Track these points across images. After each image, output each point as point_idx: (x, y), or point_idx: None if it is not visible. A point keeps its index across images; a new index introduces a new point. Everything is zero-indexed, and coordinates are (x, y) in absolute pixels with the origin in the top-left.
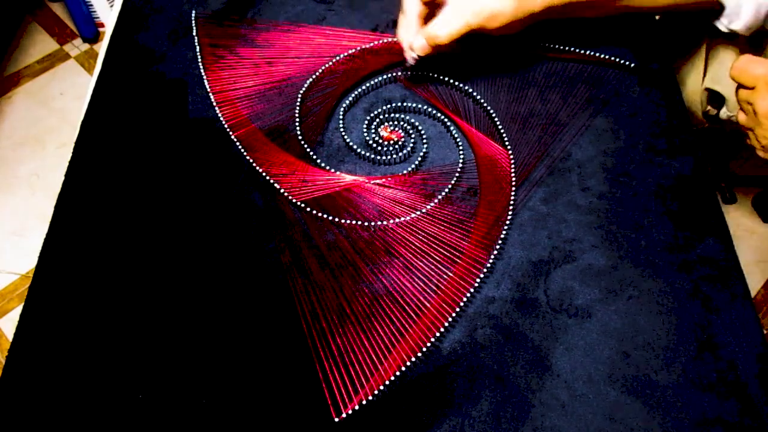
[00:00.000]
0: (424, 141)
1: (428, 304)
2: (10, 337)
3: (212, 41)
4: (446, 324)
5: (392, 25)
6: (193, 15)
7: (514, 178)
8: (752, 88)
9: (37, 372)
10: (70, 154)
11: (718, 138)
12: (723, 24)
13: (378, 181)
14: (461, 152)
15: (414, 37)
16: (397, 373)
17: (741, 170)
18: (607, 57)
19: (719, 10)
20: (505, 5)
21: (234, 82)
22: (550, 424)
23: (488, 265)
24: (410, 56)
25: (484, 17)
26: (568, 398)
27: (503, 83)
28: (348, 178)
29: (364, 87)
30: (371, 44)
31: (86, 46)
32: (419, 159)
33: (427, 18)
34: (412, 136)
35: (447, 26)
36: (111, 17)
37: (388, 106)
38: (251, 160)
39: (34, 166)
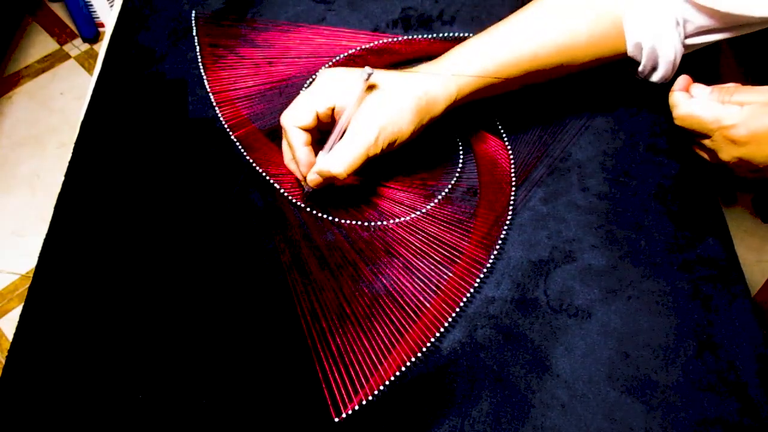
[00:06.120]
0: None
1: (428, 304)
2: (10, 337)
3: (212, 41)
4: (446, 324)
5: (392, 25)
6: (193, 15)
7: (514, 178)
8: (707, 136)
9: (37, 372)
10: (70, 154)
11: None
12: (641, 76)
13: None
14: (461, 152)
15: (305, 169)
16: (397, 373)
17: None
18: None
19: (633, 62)
20: (404, 123)
21: (234, 82)
22: (550, 424)
23: (488, 265)
24: (306, 187)
25: (385, 142)
26: (568, 398)
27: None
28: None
29: None
30: (371, 44)
31: (86, 46)
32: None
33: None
34: None
35: (344, 160)
36: (111, 17)
37: None
38: (251, 160)
39: (34, 166)
